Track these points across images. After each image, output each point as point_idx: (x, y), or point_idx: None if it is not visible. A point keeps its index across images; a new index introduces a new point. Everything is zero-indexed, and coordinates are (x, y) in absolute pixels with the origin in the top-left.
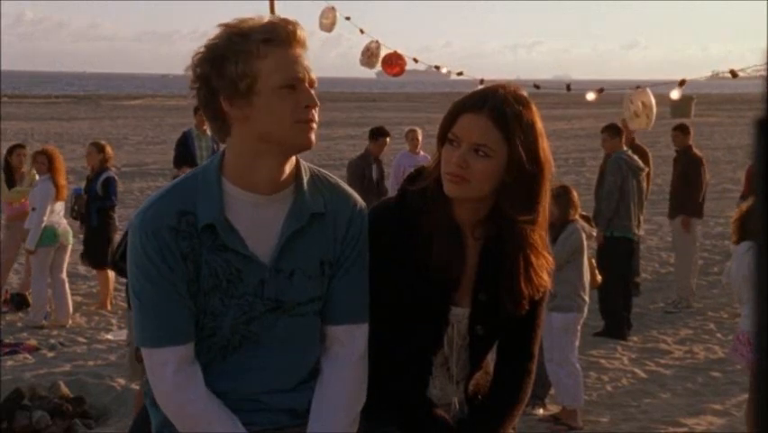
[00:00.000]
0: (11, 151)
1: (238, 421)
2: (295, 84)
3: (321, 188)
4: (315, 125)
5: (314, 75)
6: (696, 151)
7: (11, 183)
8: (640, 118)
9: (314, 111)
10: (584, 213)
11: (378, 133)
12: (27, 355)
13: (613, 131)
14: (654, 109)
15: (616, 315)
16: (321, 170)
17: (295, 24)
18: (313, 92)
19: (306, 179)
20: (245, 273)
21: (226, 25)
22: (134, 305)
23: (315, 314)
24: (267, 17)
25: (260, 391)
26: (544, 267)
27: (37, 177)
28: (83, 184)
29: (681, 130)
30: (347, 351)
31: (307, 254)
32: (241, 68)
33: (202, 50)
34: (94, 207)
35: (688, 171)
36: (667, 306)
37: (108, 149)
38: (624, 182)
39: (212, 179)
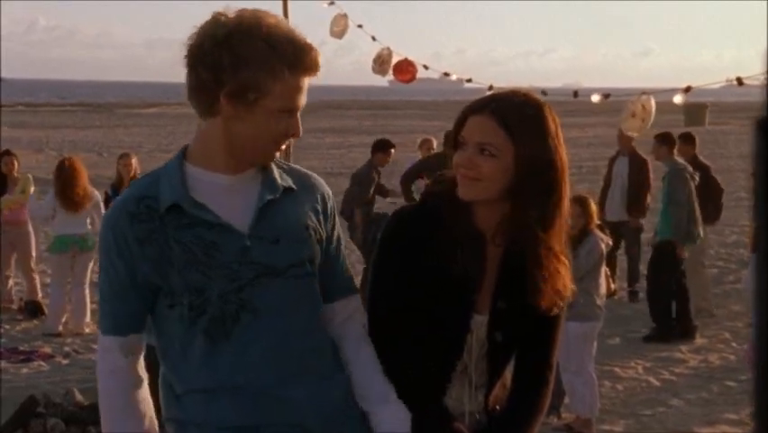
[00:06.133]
0: (0, 157)
1: (154, 425)
2: (293, 111)
3: (288, 171)
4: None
5: None
6: (702, 159)
7: (3, 190)
8: (635, 119)
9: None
10: (597, 221)
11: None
12: (41, 363)
13: (661, 139)
14: (653, 115)
15: (669, 318)
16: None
17: (318, 52)
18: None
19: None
20: (221, 243)
21: (255, 23)
22: None
23: (312, 276)
24: (293, 31)
25: (275, 380)
26: (563, 271)
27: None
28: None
29: (687, 140)
30: (348, 321)
31: (288, 222)
32: (257, 80)
33: (220, 33)
34: None
35: (704, 181)
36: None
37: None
38: (690, 193)
39: (174, 164)
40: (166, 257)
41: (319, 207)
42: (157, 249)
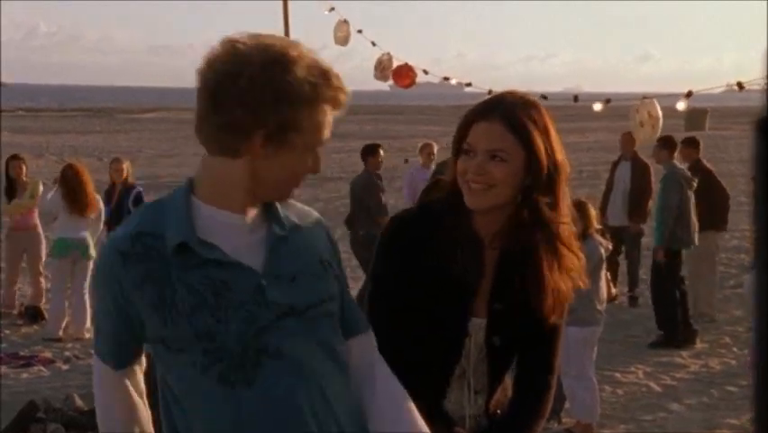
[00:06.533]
0: (8, 162)
1: None
2: (319, 147)
3: (288, 207)
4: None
5: None
6: (705, 163)
7: (12, 194)
8: (645, 128)
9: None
10: (598, 226)
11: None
12: (42, 368)
13: (662, 142)
14: (661, 121)
15: (675, 324)
16: None
17: (345, 90)
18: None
19: None
20: (233, 283)
21: (285, 53)
22: None
23: (332, 315)
24: (322, 63)
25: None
26: (575, 267)
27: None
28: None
29: (690, 144)
30: (365, 357)
31: (302, 258)
32: (299, 119)
33: (255, 67)
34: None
35: (708, 185)
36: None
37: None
38: (683, 198)
39: (180, 198)
40: (169, 299)
41: (329, 243)
42: (156, 291)
